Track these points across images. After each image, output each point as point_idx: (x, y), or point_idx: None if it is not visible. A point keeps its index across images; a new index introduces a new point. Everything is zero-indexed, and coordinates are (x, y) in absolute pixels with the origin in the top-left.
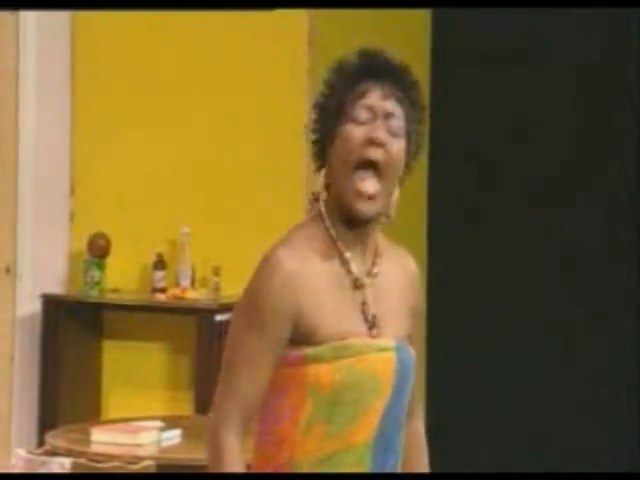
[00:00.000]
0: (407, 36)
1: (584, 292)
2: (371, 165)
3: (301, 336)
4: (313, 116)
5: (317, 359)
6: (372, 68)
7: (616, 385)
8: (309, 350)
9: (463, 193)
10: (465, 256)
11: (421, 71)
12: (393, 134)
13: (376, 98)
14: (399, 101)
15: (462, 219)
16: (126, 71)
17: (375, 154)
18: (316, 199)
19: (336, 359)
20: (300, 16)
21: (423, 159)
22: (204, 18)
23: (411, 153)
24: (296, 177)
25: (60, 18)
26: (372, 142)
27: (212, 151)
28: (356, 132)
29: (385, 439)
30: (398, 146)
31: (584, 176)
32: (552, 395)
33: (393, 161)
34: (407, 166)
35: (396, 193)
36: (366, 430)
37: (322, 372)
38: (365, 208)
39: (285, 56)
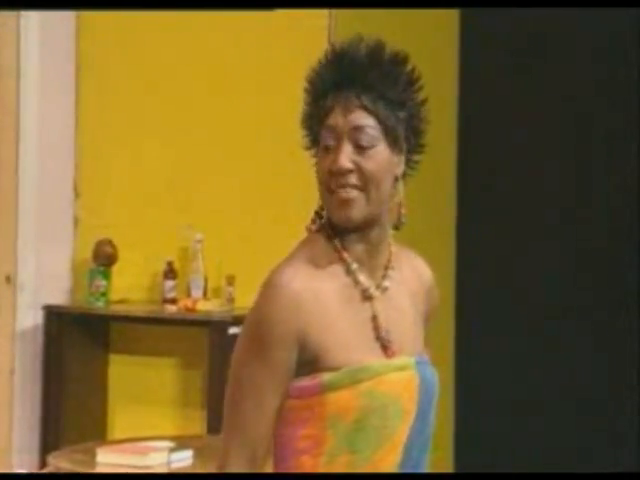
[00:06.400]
0: (433, 34)
1: (585, 300)
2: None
3: (308, 360)
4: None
5: (335, 386)
6: (336, 77)
7: (616, 385)
8: (325, 377)
9: (494, 193)
10: (494, 271)
11: (449, 73)
12: (364, 148)
13: (339, 115)
14: (368, 108)
15: (492, 233)
16: (135, 68)
17: (345, 180)
18: (318, 215)
19: (355, 384)
20: (320, 15)
21: (450, 164)
22: (217, 15)
23: (405, 146)
24: (312, 184)
25: (64, 14)
26: (337, 173)
27: (226, 154)
28: (323, 163)
29: (411, 464)
30: (374, 157)
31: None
32: (552, 395)
33: (369, 174)
34: (412, 152)
35: (400, 195)
36: (392, 457)
37: (342, 399)
38: (345, 214)
39: (303, 57)
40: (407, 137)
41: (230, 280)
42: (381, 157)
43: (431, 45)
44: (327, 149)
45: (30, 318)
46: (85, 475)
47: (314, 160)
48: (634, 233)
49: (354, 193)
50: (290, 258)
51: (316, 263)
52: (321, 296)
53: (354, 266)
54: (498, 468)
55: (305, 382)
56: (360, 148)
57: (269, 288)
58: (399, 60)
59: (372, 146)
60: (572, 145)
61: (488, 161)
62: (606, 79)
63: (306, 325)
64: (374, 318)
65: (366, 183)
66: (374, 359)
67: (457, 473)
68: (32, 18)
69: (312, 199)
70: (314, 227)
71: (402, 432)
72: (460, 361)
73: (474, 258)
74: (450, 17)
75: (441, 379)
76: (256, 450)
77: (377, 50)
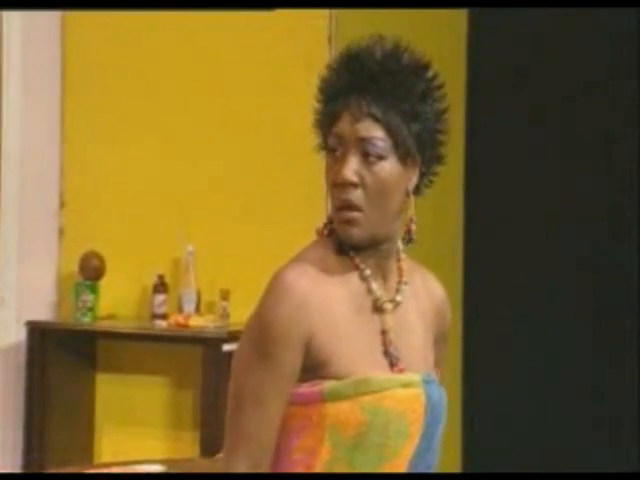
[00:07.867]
0: (436, 36)
1: (585, 300)
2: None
3: (311, 366)
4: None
5: (336, 396)
6: (346, 81)
7: (616, 385)
8: (326, 385)
9: (498, 207)
10: (500, 274)
11: (454, 76)
12: (371, 160)
13: (346, 123)
14: (377, 117)
15: (497, 235)
16: (124, 72)
17: (347, 196)
18: (330, 220)
19: (357, 396)
20: (320, 15)
21: (457, 179)
22: (217, 15)
23: (420, 158)
24: (315, 190)
25: (49, 14)
26: (342, 185)
27: (219, 161)
28: (331, 171)
29: None
30: (381, 172)
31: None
32: (551, 395)
33: (374, 190)
34: (428, 163)
35: (411, 210)
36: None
37: (343, 411)
38: (348, 233)
39: (304, 58)
40: (421, 149)
41: (224, 294)
42: (389, 172)
43: (434, 47)
44: (335, 156)
45: (13, 335)
46: (85, 475)
47: (325, 163)
48: (634, 233)
49: (356, 214)
50: (299, 258)
51: (326, 266)
52: (330, 299)
53: (367, 272)
54: (501, 469)
55: (305, 389)
56: (367, 159)
57: (275, 287)
58: (417, 67)
59: (380, 158)
60: (572, 145)
61: (491, 160)
62: (606, 79)
63: (313, 328)
64: (384, 332)
65: (370, 200)
66: (379, 373)
67: (458, 473)
68: (15, 19)
69: (310, 210)
70: (326, 231)
71: (406, 451)
72: (467, 373)
73: (481, 272)
74: (454, 18)
75: (448, 393)
76: (260, 459)
77: (393, 56)
